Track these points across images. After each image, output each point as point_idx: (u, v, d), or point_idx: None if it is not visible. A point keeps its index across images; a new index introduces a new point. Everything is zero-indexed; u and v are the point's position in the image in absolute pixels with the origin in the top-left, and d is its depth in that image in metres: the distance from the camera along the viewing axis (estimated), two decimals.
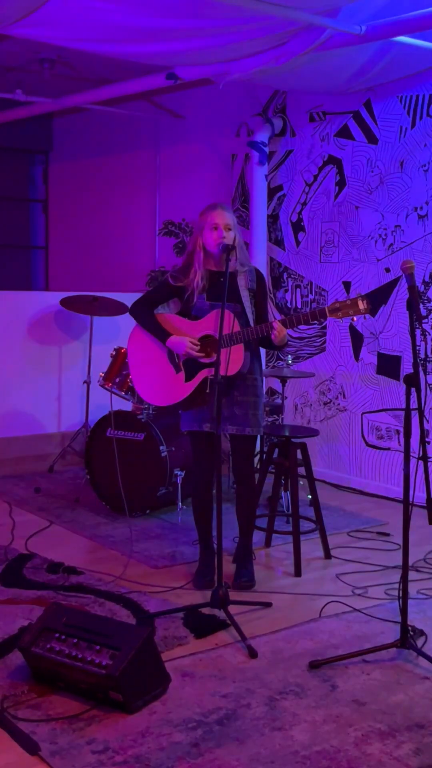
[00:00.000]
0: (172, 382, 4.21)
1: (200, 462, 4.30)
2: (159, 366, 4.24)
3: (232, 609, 3.76)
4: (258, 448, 5.77)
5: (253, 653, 3.50)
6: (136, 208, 8.44)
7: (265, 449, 5.31)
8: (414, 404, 3.36)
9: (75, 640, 3.10)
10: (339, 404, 6.48)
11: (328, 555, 4.75)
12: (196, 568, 4.37)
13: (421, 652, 3.44)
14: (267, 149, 6.75)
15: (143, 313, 4.27)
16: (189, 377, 4.17)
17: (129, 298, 6.70)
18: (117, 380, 5.49)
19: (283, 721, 2.99)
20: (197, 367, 4.14)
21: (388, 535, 5.16)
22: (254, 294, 4.18)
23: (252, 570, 4.36)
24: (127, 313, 6.49)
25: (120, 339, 6.75)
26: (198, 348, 4.10)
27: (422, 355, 5.78)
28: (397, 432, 6.07)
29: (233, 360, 3.97)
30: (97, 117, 8.51)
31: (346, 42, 4.77)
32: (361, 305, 3.80)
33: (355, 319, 3.93)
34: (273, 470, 5.07)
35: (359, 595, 4.20)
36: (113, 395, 5.43)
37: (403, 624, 3.47)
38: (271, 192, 6.89)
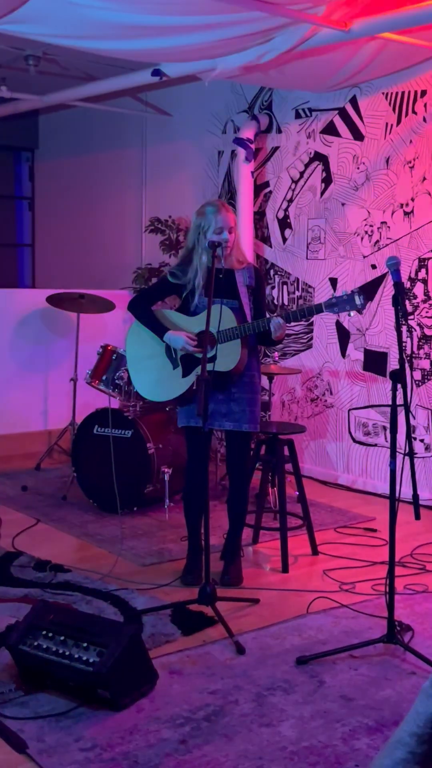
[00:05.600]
0: (169, 378, 4.21)
1: (194, 458, 4.30)
2: (157, 361, 4.24)
3: (220, 606, 3.76)
4: None
5: (240, 650, 3.50)
6: (122, 205, 8.43)
7: (253, 446, 5.31)
8: (400, 400, 3.37)
9: (62, 638, 3.09)
10: (326, 401, 6.49)
11: (315, 551, 4.76)
12: (184, 565, 4.37)
13: (408, 648, 3.45)
14: (253, 146, 6.75)
15: (141, 309, 4.27)
16: (186, 372, 4.17)
17: (116, 296, 6.73)
18: (104, 378, 5.49)
19: (271, 717, 3.00)
20: (195, 362, 4.14)
21: (375, 531, 5.17)
22: (252, 291, 4.19)
23: (240, 566, 4.36)
24: (115, 310, 6.54)
25: (107, 336, 6.76)
26: (195, 343, 4.10)
27: (408, 351, 5.80)
28: (384, 428, 6.09)
29: (229, 356, 3.97)
30: (84, 114, 8.49)
31: (332, 39, 4.78)
32: (358, 300, 3.82)
33: (352, 314, 3.94)
34: (260, 467, 5.07)
35: (346, 590, 4.21)
36: (101, 393, 5.43)
37: (390, 619, 3.48)
38: (258, 189, 6.89)
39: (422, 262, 5.72)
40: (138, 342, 4.32)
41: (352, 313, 3.94)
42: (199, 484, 4.29)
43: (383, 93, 5.94)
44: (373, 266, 6.07)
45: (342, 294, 3.87)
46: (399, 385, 3.39)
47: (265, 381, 6.47)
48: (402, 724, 1.38)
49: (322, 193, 6.43)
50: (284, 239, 6.76)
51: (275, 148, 6.79)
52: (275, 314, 3.98)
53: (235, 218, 4.13)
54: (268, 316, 4.09)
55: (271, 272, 6.86)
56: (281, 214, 6.77)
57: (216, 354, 3.93)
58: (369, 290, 6.08)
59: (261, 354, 6.86)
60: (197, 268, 4.10)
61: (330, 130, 6.35)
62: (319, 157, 6.44)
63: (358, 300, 3.82)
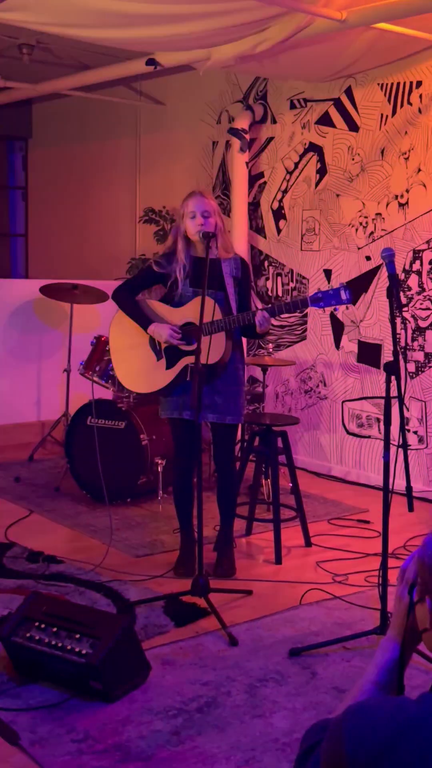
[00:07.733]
0: (153, 369, 4.20)
1: (181, 449, 4.30)
2: (140, 352, 4.23)
3: (213, 597, 3.75)
4: (239, 436, 5.77)
5: (233, 641, 3.50)
6: (116, 196, 8.40)
7: (246, 437, 5.31)
8: (394, 392, 3.37)
9: (55, 629, 3.09)
10: (320, 392, 6.49)
11: (308, 543, 4.76)
12: (177, 557, 4.37)
13: None
14: (248, 136, 6.72)
15: (126, 299, 4.25)
16: (170, 364, 4.16)
17: (109, 286, 6.66)
18: (97, 369, 5.47)
19: (264, 709, 3.00)
20: (178, 354, 4.13)
21: (368, 522, 5.18)
22: (238, 282, 4.17)
23: (233, 558, 4.36)
24: (108, 301, 6.50)
25: (100, 327, 6.73)
26: (180, 335, 4.09)
27: (402, 343, 5.79)
28: (378, 420, 6.09)
29: (214, 348, 3.96)
30: (77, 103, 8.45)
31: (327, 28, 4.75)
32: (344, 295, 3.81)
33: (337, 308, 3.95)
34: (254, 458, 5.07)
35: (339, 582, 4.22)
36: (94, 384, 5.41)
37: (383, 611, 3.48)
38: (252, 179, 6.87)
39: (417, 254, 5.71)
40: (122, 332, 4.30)
41: (338, 308, 3.94)
42: (186, 474, 4.29)
43: (378, 84, 5.92)
44: (368, 258, 6.06)
45: (328, 289, 3.87)
46: (393, 377, 3.38)
47: (258, 372, 6.48)
48: (363, 676, 1.54)
49: (317, 184, 6.41)
50: (279, 230, 6.74)
51: (270, 139, 6.77)
52: (261, 308, 3.97)
53: (212, 204, 4.09)
54: (253, 308, 4.08)
55: (266, 263, 6.84)
56: (276, 205, 6.75)
57: (200, 346, 3.92)
58: (358, 283, 6.07)
59: (254, 346, 6.86)
60: (179, 259, 4.09)
61: (325, 120, 6.33)
62: (314, 148, 6.41)
63: (344, 295, 3.81)
